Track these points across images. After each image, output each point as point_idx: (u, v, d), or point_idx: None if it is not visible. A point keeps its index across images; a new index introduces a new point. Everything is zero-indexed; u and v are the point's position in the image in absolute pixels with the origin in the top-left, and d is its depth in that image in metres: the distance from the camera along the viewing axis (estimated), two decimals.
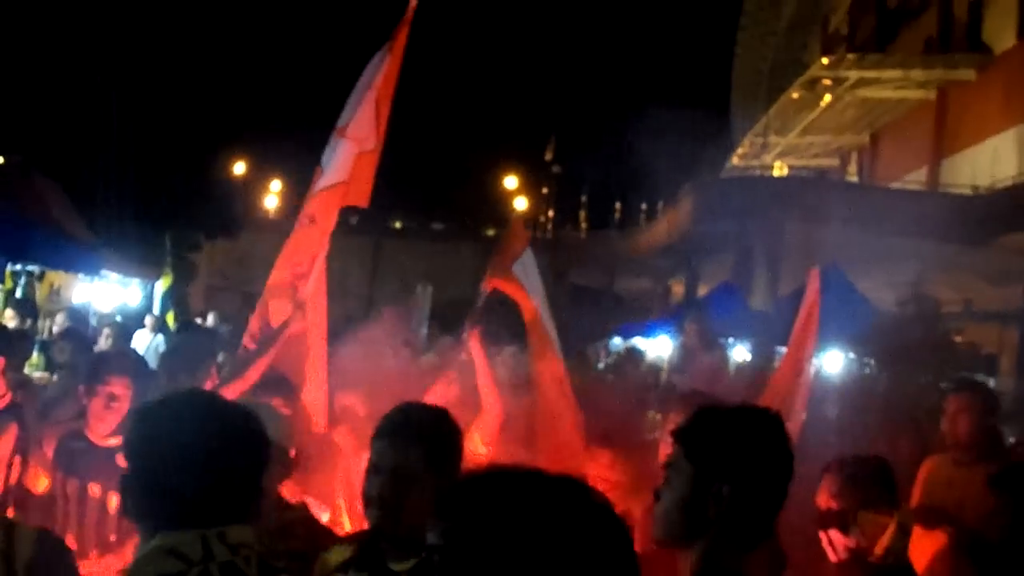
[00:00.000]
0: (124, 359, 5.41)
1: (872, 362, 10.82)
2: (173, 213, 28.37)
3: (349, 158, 5.12)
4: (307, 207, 5.21)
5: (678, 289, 28.31)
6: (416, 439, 2.75)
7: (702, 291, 23.18)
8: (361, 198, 5.33)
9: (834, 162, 36.87)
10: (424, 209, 47.04)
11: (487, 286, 6.07)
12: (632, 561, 1.49)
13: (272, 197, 48.50)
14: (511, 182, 46.88)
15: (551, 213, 47.25)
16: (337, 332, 6.06)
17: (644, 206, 40.84)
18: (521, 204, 45.66)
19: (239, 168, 43.48)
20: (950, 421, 4.95)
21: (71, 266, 11.36)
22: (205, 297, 38.95)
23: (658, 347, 17.84)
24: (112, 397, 4.57)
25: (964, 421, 4.91)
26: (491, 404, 5.27)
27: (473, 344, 5.55)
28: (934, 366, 10.05)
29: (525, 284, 6.04)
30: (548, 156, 46.74)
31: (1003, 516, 3.69)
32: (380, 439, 2.80)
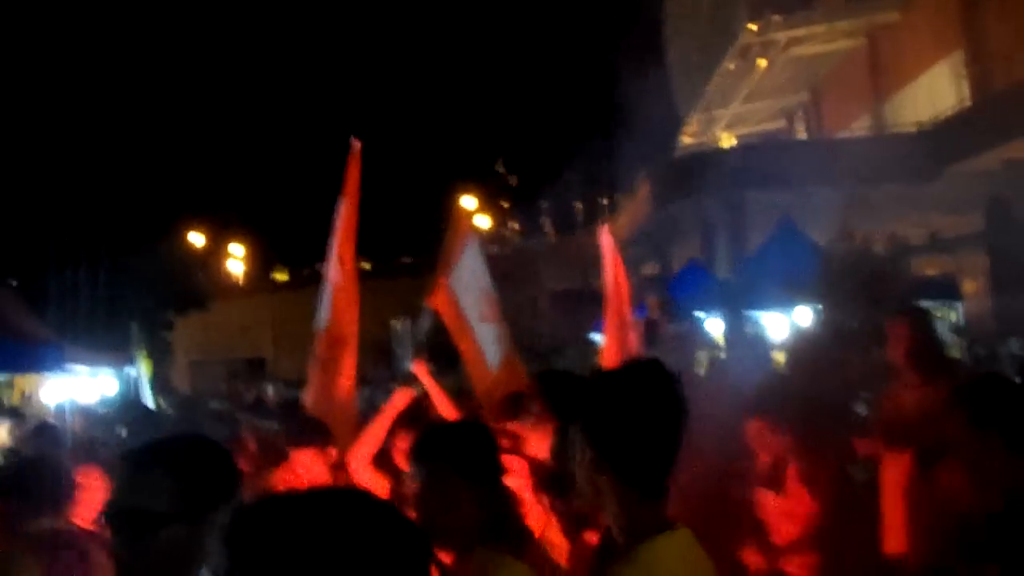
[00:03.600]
0: None
1: (826, 308, 10.87)
2: (138, 297, 28.25)
3: (328, 298, 6.23)
4: (315, 350, 6.22)
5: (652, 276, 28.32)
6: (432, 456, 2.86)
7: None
8: (348, 326, 6.20)
9: (781, 124, 37.05)
10: (391, 246, 46.96)
11: (430, 303, 6.38)
12: (423, 564, 1.50)
13: (236, 262, 48.37)
14: (470, 202, 46.86)
15: (515, 226, 47.32)
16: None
17: (605, 201, 40.97)
18: (484, 222, 45.72)
19: (196, 239, 43.35)
20: (892, 347, 5.04)
21: (30, 367, 11.31)
22: (189, 373, 38.70)
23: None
24: None
25: (905, 346, 5.00)
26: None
27: (420, 372, 5.72)
28: (874, 299, 10.13)
29: (460, 297, 6.40)
30: (500, 169, 46.87)
31: (963, 430, 3.70)
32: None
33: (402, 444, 5.16)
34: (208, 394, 19.13)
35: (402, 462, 5.17)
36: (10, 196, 25.43)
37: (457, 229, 6.69)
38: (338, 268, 6.30)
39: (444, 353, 7.56)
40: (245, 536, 1.43)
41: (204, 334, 39.08)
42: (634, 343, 6.82)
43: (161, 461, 2.31)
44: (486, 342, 6.30)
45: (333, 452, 5.20)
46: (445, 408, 5.54)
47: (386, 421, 5.23)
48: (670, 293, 11.79)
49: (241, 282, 46.85)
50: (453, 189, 46.67)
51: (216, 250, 45.68)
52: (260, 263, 48.33)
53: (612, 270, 6.79)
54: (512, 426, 4.62)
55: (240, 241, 47.46)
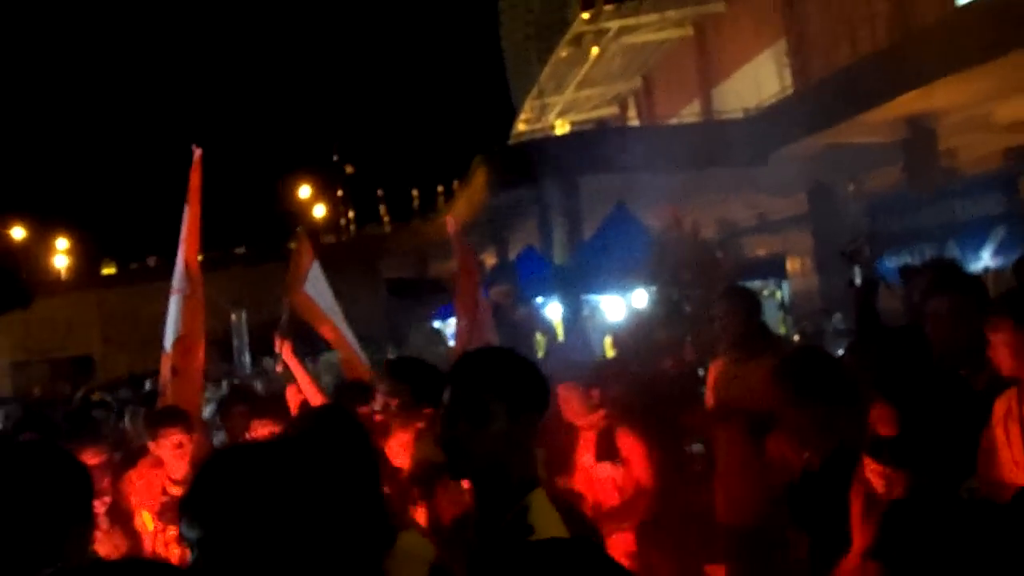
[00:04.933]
0: None
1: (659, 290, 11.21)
2: None
3: (177, 308, 6.20)
4: (169, 360, 6.17)
5: (491, 262, 28.50)
6: None
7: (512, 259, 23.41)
8: (198, 332, 6.22)
9: (614, 110, 37.82)
10: (225, 236, 45.82)
11: (287, 304, 6.80)
12: None
13: (60, 256, 46.36)
14: (305, 191, 46.15)
15: (351, 214, 46.92)
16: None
17: (441, 188, 41.01)
18: (320, 211, 45.17)
19: (17, 233, 41.38)
20: (720, 326, 5.33)
21: None
22: (10, 374, 36.95)
23: None
24: None
25: (731, 323, 5.31)
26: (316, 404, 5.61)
27: (287, 355, 6.16)
28: (705, 280, 10.56)
29: (318, 301, 6.84)
30: (335, 158, 46.40)
31: (787, 403, 3.89)
32: None
33: (258, 431, 5.24)
34: (28, 399, 18.22)
35: None
36: None
37: (299, 250, 7.08)
38: (185, 277, 6.30)
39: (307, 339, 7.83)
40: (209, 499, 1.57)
41: (27, 333, 37.40)
42: (486, 329, 7.00)
43: None
44: (355, 344, 6.89)
45: (195, 438, 5.17)
46: (309, 390, 5.80)
47: None
48: (512, 279, 11.94)
49: (66, 277, 44.95)
50: (286, 178, 46.15)
51: (38, 244, 43.64)
52: (86, 257, 46.55)
53: (461, 258, 6.99)
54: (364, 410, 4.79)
55: (64, 235, 45.52)
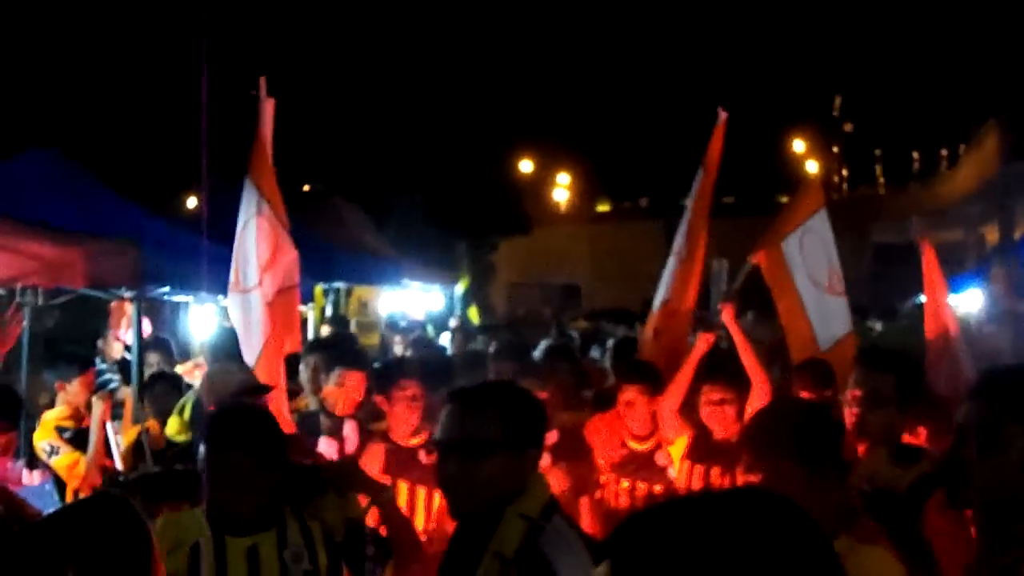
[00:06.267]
0: (413, 363, 5.81)
1: None
2: (466, 219, 29.74)
3: (671, 271, 6.29)
4: (655, 320, 6.28)
5: (992, 237, 26.35)
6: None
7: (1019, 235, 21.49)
8: (686, 303, 6.26)
9: None
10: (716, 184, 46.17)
11: (753, 259, 6.19)
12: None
13: (561, 190, 49.43)
14: (799, 146, 45.33)
15: (845, 172, 45.38)
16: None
17: (945, 152, 38.38)
18: (812, 167, 44.13)
19: (526, 166, 44.69)
20: None
21: (374, 280, 12.39)
22: (507, 295, 40.25)
23: (968, 302, 16.75)
24: (413, 398, 4.92)
25: None
26: (758, 382, 5.21)
27: (727, 318, 5.69)
28: None
29: (792, 265, 6.03)
30: (836, 114, 45.07)
31: None
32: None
33: (709, 395, 5.08)
34: (529, 319, 19.52)
35: (707, 415, 5.13)
36: (359, 123, 27.54)
37: (803, 196, 6.41)
38: (686, 242, 6.28)
39: (759, 303, 7.37)
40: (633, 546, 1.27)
41: (525, 258, 40.27)
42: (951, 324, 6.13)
43: (491, 402, 2.72)
44: (823, 315, 5.90)
45: (657, 401, 5.19)
46: (749, 359, 5.38)
47: (689, 369, 5.25)
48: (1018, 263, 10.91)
49: (563, 210, 47.87)
50: (783, 130, 45.49)
51: (543, 177, 46.84)
52: (583, 193, 49.18)
53: (932, 286, 6.15)
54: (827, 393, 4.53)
55: (566, 170, 48.42)
